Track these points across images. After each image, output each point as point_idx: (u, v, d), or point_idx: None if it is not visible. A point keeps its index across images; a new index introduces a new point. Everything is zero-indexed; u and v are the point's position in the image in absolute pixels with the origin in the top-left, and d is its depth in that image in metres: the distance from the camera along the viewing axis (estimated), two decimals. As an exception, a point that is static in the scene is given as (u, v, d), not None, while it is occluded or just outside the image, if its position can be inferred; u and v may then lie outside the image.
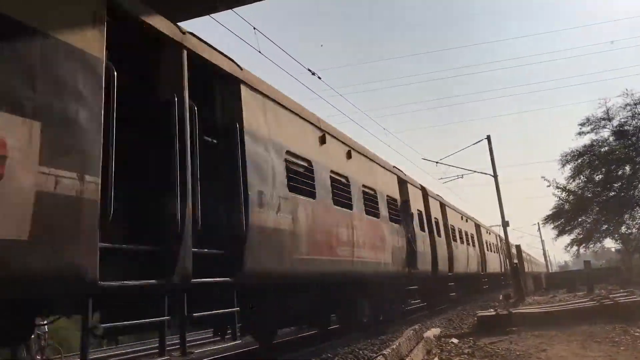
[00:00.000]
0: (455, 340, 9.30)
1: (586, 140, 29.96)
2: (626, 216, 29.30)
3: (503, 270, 35.45)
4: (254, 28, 9.81)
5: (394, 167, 14.05)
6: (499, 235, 34.24)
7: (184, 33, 5.68)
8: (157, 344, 5.28)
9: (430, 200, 17.34)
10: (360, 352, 8.73)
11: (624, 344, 7.58)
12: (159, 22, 5.29)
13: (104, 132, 4.17)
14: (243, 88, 6.64)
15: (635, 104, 27.59)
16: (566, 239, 31.77)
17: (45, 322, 6.36)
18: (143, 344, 15.39)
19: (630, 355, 6.67)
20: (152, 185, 5.08)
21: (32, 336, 6.67)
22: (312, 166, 8.26)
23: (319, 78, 13.06)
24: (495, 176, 25.34)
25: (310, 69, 12.42)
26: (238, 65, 6.75)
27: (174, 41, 5.46)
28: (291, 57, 11.81)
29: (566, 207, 30.91)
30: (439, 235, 17.43)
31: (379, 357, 6.10)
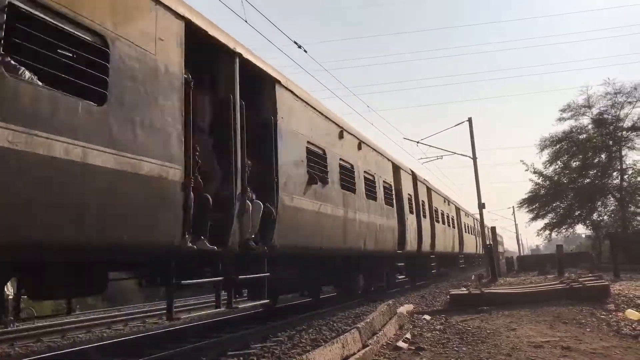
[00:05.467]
0: (427, 317, 9.47)
1: (566, 126, 30.46)
2: (599, 203, 29.98)
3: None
4: (241, -5, 9.60)
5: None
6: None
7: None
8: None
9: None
10: (335, 324, 8.86)
11: (589, 326, 7.81)
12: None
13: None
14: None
15: (616, 93, 28.04)
16: (539, 223, 32.47)
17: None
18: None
19: (595, 337, 6.87)
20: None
21: (10, 297, 6.68)
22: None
23: (305, 51, 12.91)
24: (474, 159, 25.52)
25: (297, 41, 12.25)
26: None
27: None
28: (277, 28, 11.60)
29: (542, 191, 31.47)
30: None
31: (353, 330, 6.19)
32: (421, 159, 33.77)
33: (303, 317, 9.79)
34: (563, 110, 30.03)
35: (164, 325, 11.68)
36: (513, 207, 62.81)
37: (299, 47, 12.47)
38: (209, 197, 5.94)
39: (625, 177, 28.82)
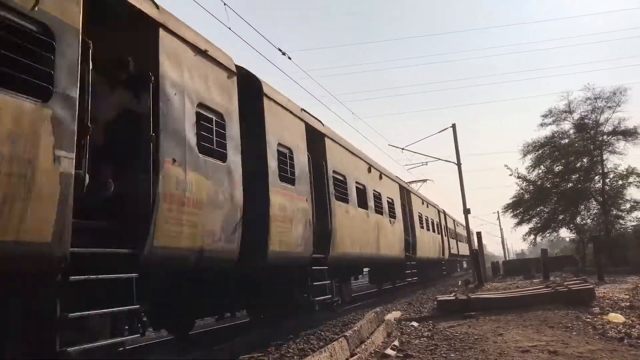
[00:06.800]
0: (415, 324, 9.47)
1: (548, 131, 30.80)
2: (581, 207, 30.29)
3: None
4: (225, 4, 9.58)
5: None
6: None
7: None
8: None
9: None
10: (322, 333, 8.81)
11: (575, 329, 7.87)
12: None
13: None
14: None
15: (596, 98, 28.45)
16: (524, 228, 32.71)
17: None
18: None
19: (581, 340, 6.92)
20: None
21: None
22: None
23: (289, 58, 12.90)
24: (458, 164, 25.70)
25: (281, 49, 12.25)
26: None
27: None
28: (262, 35, 11.62)
29: (526, 196, 31.73)
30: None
31: (340, 339, 6.16)
32: (406, 165, 34.02)
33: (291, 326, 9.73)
34: (545, 116, 30.38)
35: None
36: (498, 212, 63.44)
37: (283, 54, 12.47)
38: None
39: (607, 180, 29.18)
